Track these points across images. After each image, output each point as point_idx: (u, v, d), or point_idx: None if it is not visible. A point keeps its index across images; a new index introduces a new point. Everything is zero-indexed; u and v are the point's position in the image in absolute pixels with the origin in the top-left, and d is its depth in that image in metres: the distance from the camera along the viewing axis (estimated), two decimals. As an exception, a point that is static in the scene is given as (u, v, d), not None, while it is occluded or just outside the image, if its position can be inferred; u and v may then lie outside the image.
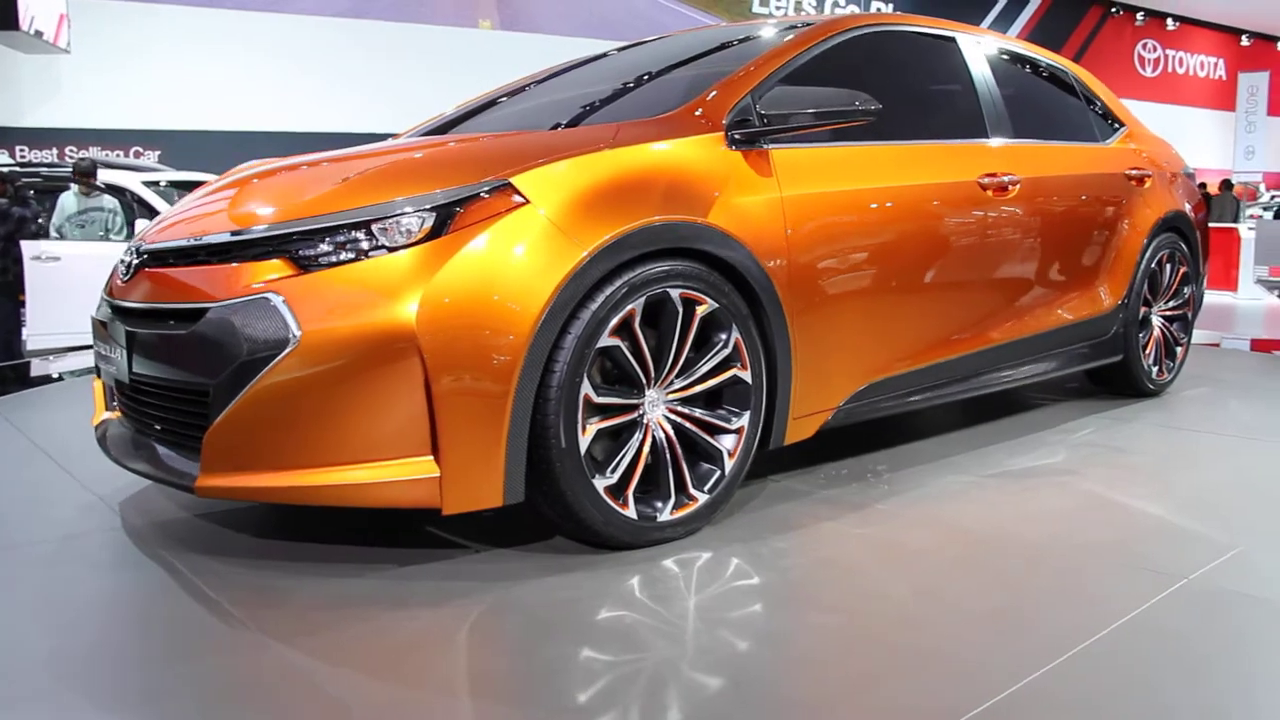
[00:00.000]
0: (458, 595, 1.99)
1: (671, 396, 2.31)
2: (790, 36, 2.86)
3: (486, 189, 2.06)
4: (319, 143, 11.73)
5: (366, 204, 2.05)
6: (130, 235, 7.08)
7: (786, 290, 2.47)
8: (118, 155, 10.38)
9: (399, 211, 2.01)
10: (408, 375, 1.94)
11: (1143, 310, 3.95)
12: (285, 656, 1.74)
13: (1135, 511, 2.62)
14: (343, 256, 2.02)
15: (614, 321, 2.13)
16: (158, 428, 2.25)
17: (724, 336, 2.35)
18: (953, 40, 3.43)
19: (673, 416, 2.31)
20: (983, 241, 3.15)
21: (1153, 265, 3.94)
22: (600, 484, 2.14)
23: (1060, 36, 20.03)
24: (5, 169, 7.34)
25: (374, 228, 2.02)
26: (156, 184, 7.25)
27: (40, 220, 6.91)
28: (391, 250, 2.00)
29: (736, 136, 2.48)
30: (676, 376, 2.30)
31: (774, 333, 2.45)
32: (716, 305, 2.31)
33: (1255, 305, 10.54)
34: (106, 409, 2.67)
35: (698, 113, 2.49)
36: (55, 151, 11.13)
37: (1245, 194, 13.17)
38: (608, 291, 2.11)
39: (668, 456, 2.27)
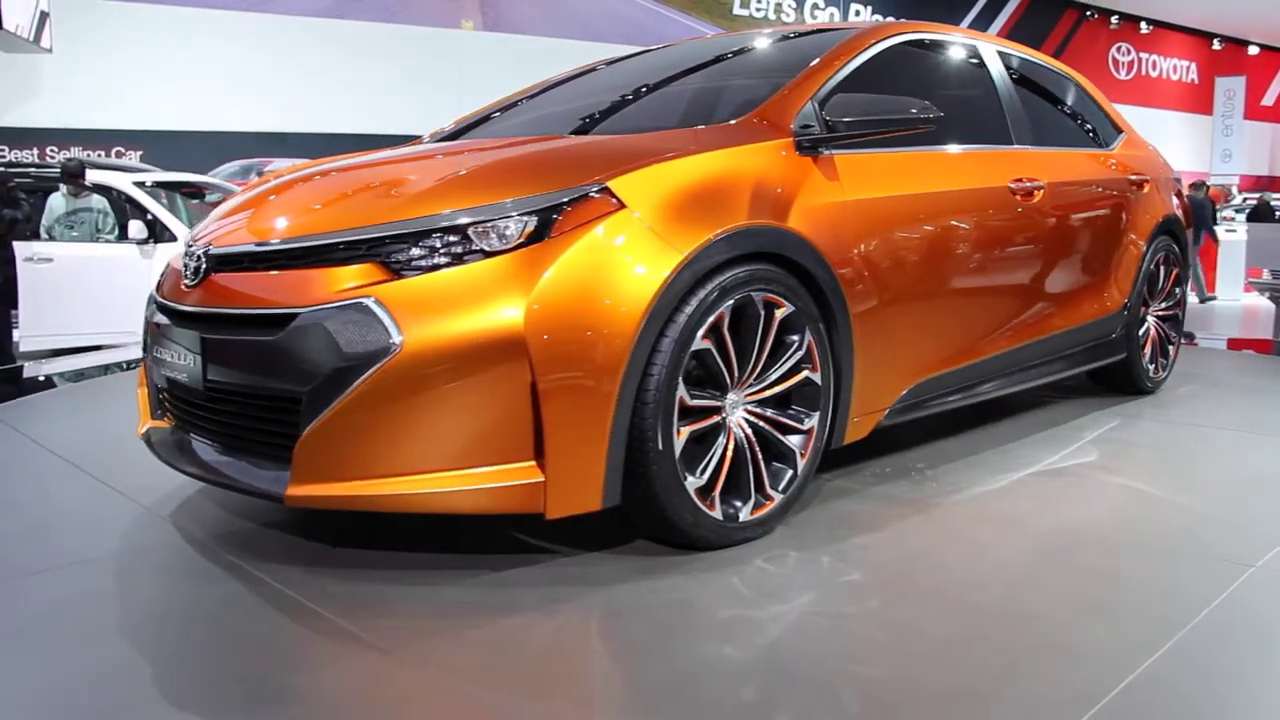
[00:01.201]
0: (565, 600, 1.95)
1: (750, 398, 2.30)
2: (838, 43, 2.88)
3: (586, 193, 2.03)
4: (302, 143, 11.53)
5: (460, 207, 2.00)
6: (122, 236, 6.83)
7: (850, 292, 2.49)
8: (99, 155, 10.03)
9: (501, 215, 1.97)
10: (515, 380, 1.90)
11: (1141, 310, 4.06)
12: (407, 665, 1.69)
13: (1177, 504, 2.68)
14: (437, 260, 1.97)
15: (706, 324, 2.11)
16: (237, 436, 2.17)
17: (797, 339, 2.35)
18: (974, 47, 3.50)
19: (751, 418, 2.30)
20: (1014, 245, 3.20)
21: (1151, 267, 4.06)
22: (690, 486, 2.13)
23: (1037, 39, 20.03)
24: None
25: (470, 231, 1.98)
26: (142, 184, 7.02)
27: (31, 220, 6.64)
28: (490, 254, 1.96)
29: (804, 142, 2.49)
30: (755, 378, 2.30)
31: (840, 335, 2.47)
32: (793, 308, 2.31)
33: (1233, 306, 10.90)
34: (152, 417, 2.57)
35: (765, 119, 2.49)
36: (36, 152, 10.71)
37: (1218, 196, 13.49)
38: (700, 295, 2.10)
39: (748, 457, 2.27)
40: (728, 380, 2.22)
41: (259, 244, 2.17)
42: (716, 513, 2.19)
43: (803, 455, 2.39)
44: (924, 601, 2.00)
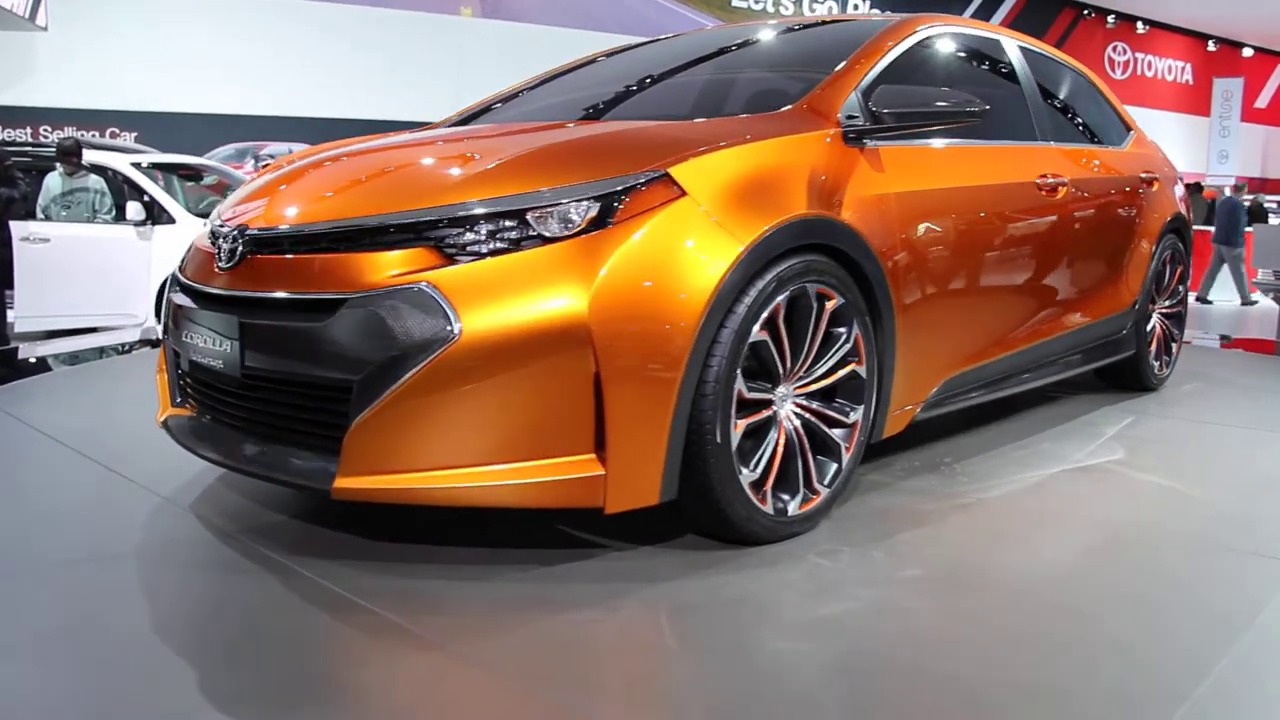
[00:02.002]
0: (623, 595, 1.86)
1: (798, 391, 2.23)
2: (874, 34, 2.80)
3: (647, 179, 1.94)
4: (298, 128, 11.27)
5: (519, 191, 1.90)
6: (120, 217, 6.60)
7: (895, 285, 2.42)
8: (94, 136, 9.73)
9: (562, 200, 1.88)
10: (579, 370, 1.80)
11: (1149, 308, 4.05)
12: (468, 664, 1.60)
13: (1208, 500, 2.64)
14: (495, 245, 1.87)
15: (764, 316, 2.03)
16: (277, 426, 2.06)
17: (845, 332, 2.28)
18: (998, 41, 3.44)
19: (799, 411, 2.23)
20: (1041, 241, 3.15)
21: (1159, 265, 4.05)
22: (745, 479, 2.05)
23: (1033, 36, 19.90)
24: None
25: (529, 216, 1.88)
26: (139, 165, 6.79)
27: (28, 200, 6.40)
28: (550, 240, 1.86)
29: (850, 133, 2.41)
30: (804, 371, 2.23)
31: (884, 328, 2.40)
32: (843, 301, 2.24)
33: (1226, 306, 10.96)
34: (173, 404, 2.44)
35: (812, 108, 2.41)
36: (29, 131, 10.37)
37: (1213, 197, 13.47)
38: (759, 285, 2.02)
39: (798, 451, 2.20)
40: (781, 373, 2.15)
41: (302, 226, 2.04)
42: (768, 507, 2.12)
43: (847, 449, 2.32)
44: (984, 597, 1.94)
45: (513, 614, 1.78)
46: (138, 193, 6.55)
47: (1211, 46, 23.99)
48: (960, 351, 2.82)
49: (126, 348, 5.43)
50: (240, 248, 2.12)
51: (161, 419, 2.41)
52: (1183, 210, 4.27)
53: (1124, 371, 4.06)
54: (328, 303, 1.90)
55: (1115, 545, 2.26)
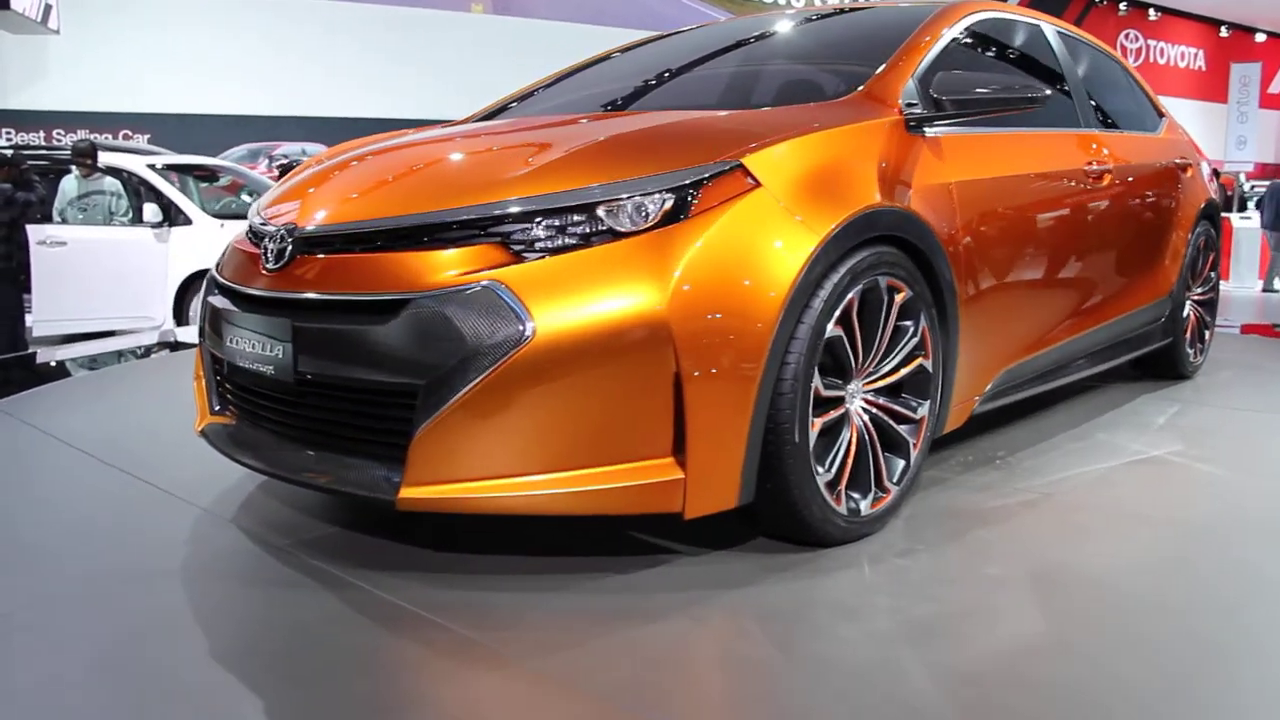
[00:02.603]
0: (704, 603, 1.76)
1: (866, 387, 2.13)
2: (926, 19, 2.69)
3: (721, 169, 1.83)
4: (310, 127, 11.09)
5: (589, 184, 1.79)
6: (136, 219, 6.46)
7: (959, 276, 2.32)
8: (106, 138, 9.57)
9: (637, 192, 1.77)
10: (658, 370, 1.70)
11: (1184, 295, 3.95)
12: (554, 682, 1.50)
13: (1276, 490, 2.57)
14: (564, 241, 1.76)
15: (838, 310, 1.93)
16: (333, 434, 1.95)
17: (912, 325, 2.18)
18: (1039, 27, 3.34)
19: (867, 407, 2.13)
20: (1090, 228, 3.05)
21: (1194, 252, 3.95)
22: (821, 479, 1.95)
23: None
24: (9, 151, 6.62)
25: (600, 210, 1.77)
26: (154, 167, 6.65)
27: (45, 203, 6.26)
28: (623, 235, 1.76)
29: (910, 120, 2.31)
30: (874, 367, 2.13)
31: (949, 320, 2.30)
32: (911, 293, 2.14)
33: (1246, 293, 10.79)
34: (212, 412, 2.32)
35: (873, 96, 2.30)
36: (42, 134, 10.20)
37: (1230, 184, 13.26)
38: (834, 279, 1.91)
39: (869, 448, 2.10)
40: (853, 369, 2.04)
41: (357, 223, 1.93)
42: (842, 507, 2.02)
43: (915, 445, 2.22)
44: (1072, 596, 1.85)
45: (592, 626, 1.68)
46: (154, 194, 6.41)
47: (1224, 32, 23.45)
48: (1018, 342, 2.72)
49: (144, 351, 5.30)
50: (290, 247, 2.00)
51: (200, 427, 2.28)
52: (1214, 196, 4.18)
53: (1159, 360, 3.96)
54: (389, 303, 1.78)
55: (1192, 539, 2.17)
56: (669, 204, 1.76)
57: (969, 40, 2.81)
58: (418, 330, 1.73)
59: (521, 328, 1.67)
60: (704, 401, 1.73)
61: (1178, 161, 3.85)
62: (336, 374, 1.86)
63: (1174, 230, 3.75)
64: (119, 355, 5.11)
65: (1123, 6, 21.43)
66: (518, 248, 1.76)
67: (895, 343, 2.15)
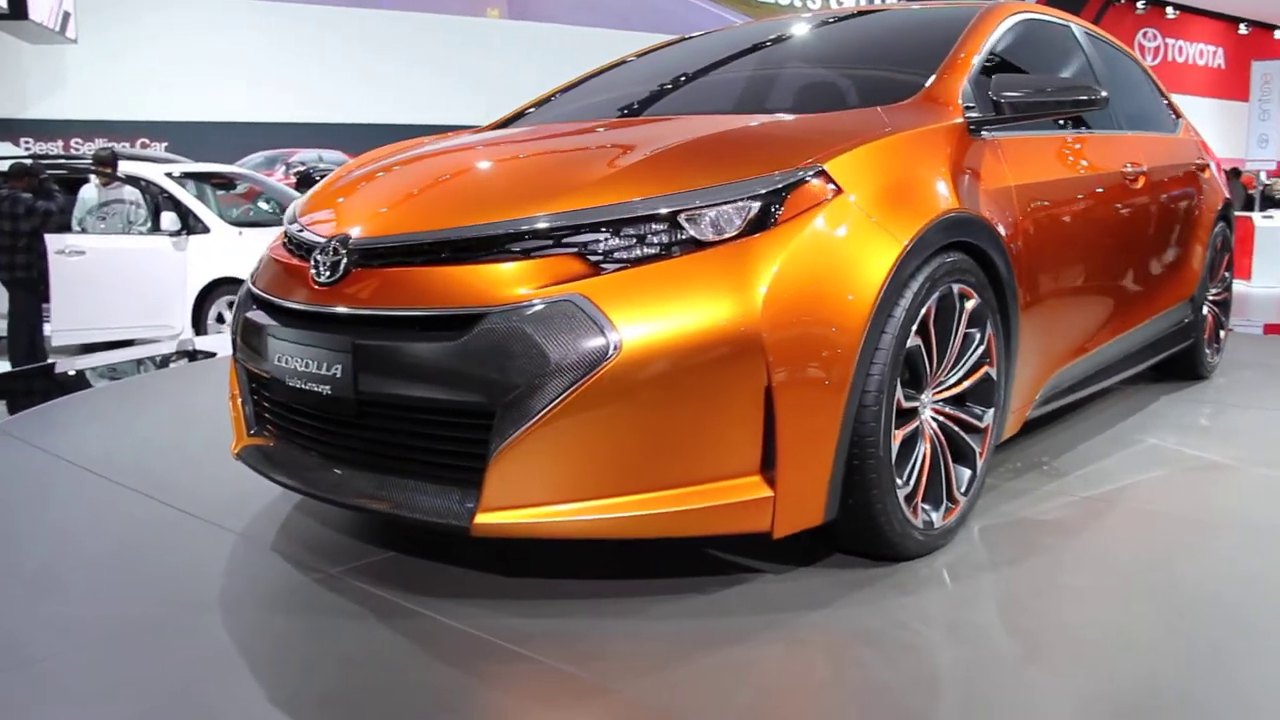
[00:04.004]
0: (790, 624, 1.64)
1: (936, 397, 2.02)
2: (972, 21, 2.58)
3: (805, 176, 1.71)
4: (327, 134, 10.85)
5: (665, 192, 1.67)
6: (155, 227, 6.27)
7: (1020, 281, 2.22)
8: (125, 147, 9.34)
9: (723, 200, 1.64)
10: (750, 385, 1.58)
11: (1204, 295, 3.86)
12: (652, 712, 1.38)
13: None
14: (644, 251, 1.64)
15: (918, 319, 1.82)
16: (398, 457, 1.78)
17: (978, 333, 2.07)
18: (1069, 28, 3.24)
19: (936, 417, 2.02)
20: (1129, 230, 2.96)
21: (1213, 252, 3.87)
22: (900, 493, 1.84)
23: None
24: (29, 161, 6.42)
25: (681, 218, 1.65)
26: (172, 175, 6.46)
27: (65, 213, 6.07)
28: (706, 244, 1.63)
29: (971, 124, 2.20)
30: (944, 376, 2.02)
31: (1011, 326, 2.19)
32: (979, 301, 2.03)
33: (1269, 293, 10.63)
34: (249, 434, 2.10)
35: (934, 100, 2.19)
36: (60, 144, 9.96)
37: (1250, 183, 12.92)
38: (914, 287, 1.79)
39: (941, 459, 1.99)
40: (927, 378, 1.93)
41: (420, 234, 1.78)
42: (918, 520, 1.90)
43: (981, 454, 2.11)
44: (1170, 607, 1.75)
45: (682, 649, 1.56)
46: (172, 203, 6.22)
47: (1243, 29, 22.72)
48: (1068, 346, 2.62)
49: (163, 360, 5.13)
50: (345, 260, 1.84)
51: (237, 450, 2.10)
52: (1230, 195, 4.10)
53: (1178, 361, 3.87)
54: (460, 319, 1.65)
55: (1266, 548, 2.07)
56: (754, 211, 1.64)
57: (1009, 41, 2.70)
58: (493, 346, 1.60)
59: (606, 342, 1.54)
60: (795, 415, 1.61)
61: (1197, 162, 3.77)
62: (402, 393, 1.71)
63: (1197, 230, 3.66)
64: (138, 364, 4.93)
65: (1140, 4, 20.75)
66: (595, 258, 1.63)
67: (964, 351, 2.04)
